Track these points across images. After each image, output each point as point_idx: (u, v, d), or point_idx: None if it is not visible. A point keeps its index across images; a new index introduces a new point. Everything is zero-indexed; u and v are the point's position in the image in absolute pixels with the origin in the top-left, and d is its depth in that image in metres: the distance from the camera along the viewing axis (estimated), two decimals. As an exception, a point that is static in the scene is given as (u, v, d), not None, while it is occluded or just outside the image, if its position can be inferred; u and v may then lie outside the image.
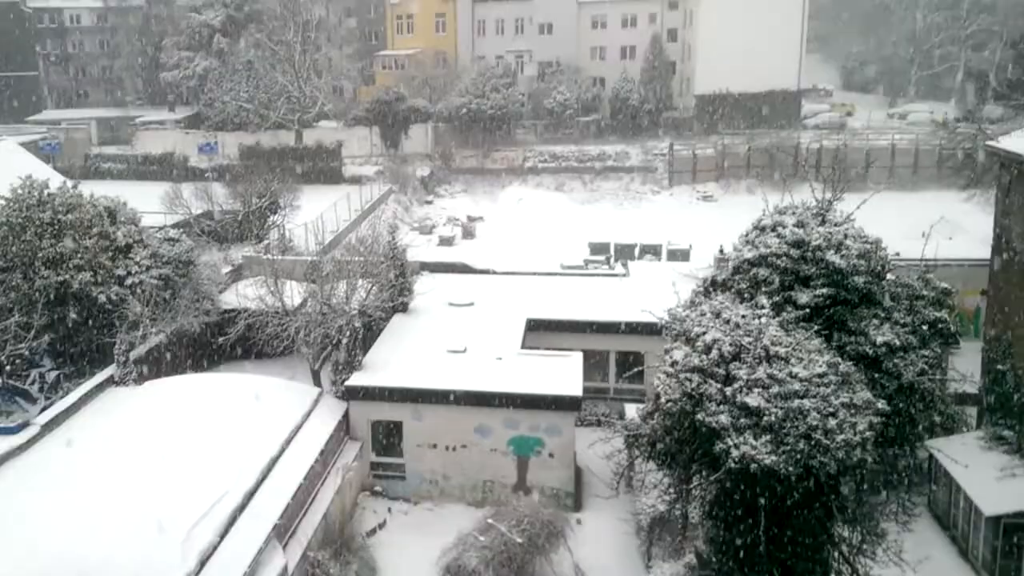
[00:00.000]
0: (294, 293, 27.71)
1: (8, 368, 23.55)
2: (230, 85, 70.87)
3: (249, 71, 71.18)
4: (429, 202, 57.81)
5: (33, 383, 23.62)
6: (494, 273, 33.24)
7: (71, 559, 15.44)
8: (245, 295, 27.83)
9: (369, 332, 26.48)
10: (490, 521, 19.64)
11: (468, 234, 48.54)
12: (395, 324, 27.58)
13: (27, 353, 24.02)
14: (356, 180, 56.70)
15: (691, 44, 74.76)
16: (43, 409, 21.68)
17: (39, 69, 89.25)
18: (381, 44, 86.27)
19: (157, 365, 25.83)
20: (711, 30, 70.53)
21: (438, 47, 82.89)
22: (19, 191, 26.59)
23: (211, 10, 75.19)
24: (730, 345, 16.04)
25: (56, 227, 26.03)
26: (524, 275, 32.73)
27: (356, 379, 23.52)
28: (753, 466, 13.92)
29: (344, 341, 24.84)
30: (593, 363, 26.37)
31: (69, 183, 29.39)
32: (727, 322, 16.88)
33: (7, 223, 25.92)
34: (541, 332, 26.89)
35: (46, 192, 26.79)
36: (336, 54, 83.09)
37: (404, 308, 28.71)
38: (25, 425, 20.17)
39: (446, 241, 45.99)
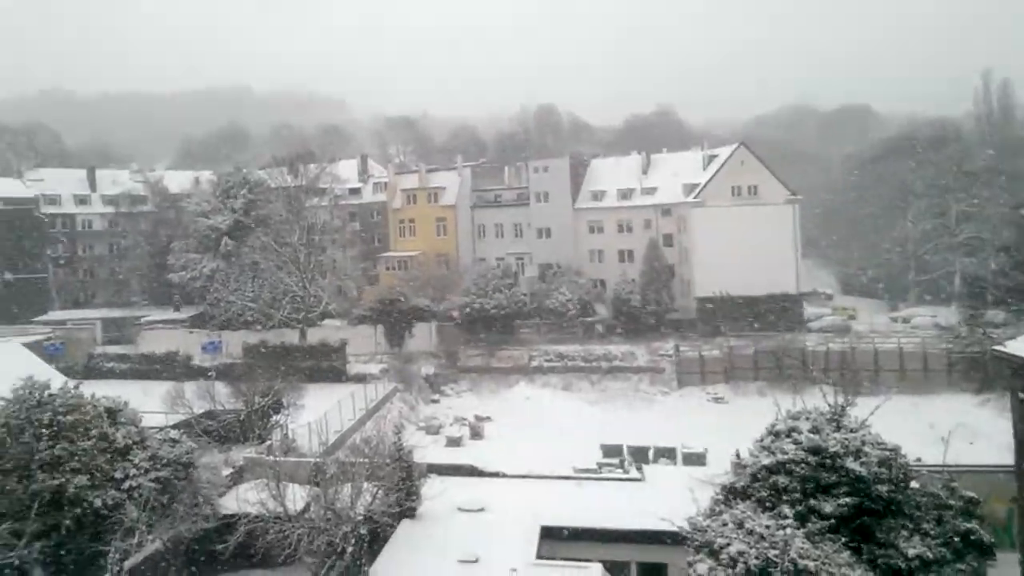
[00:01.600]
0: (297, 497, 27.44)
1: (-4, 579, 22.95)
2: (236, 285, 73.46)
3: (255, 272, 74.05)
4: (435, 401, 58.20)
5: (22, 595, 22.92)
6: (504, 476, 32.99)
7: None
8: (246, 499, 27.49)
9: (375, 540, 26.00)
10: None
11: (476, 434, 48.52)
12: (403, 531, 27.12)
13: (16, 562, 23.44)
14: (360, 379, 57.48)
15: (687, 248, 78.29)
16: (31, 624, 20.92)
17: (48, 272, 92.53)
18: (384, 246, 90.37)
19: (152, 575, 25.11)
20: (704, 237, 74.07)
21: (439, 249, 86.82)
22: (19, 392, 26.85)
23: (219, 215, 79.28)
24: (756, 559, 15.99)
25: (55, 429, 26.14)
26: (536, 478, 32.51)
27: (362, 592, 22.86)
28: None
29: (349, 550, 24.38)
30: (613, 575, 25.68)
31: (70, 383, 29.72)
32: (751, 533, 16.88)
33: (5, 424, 26.04)
34: (556, 540, 26.38)
35: (46, 393, 27.05)
36: (340, 255, 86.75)
37: (412, 513, 28.32)
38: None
39: (454, 442, 45.86)
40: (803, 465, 18.81)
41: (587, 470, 36.50)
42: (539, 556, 24.85)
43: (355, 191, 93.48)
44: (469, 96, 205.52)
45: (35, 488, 24.85)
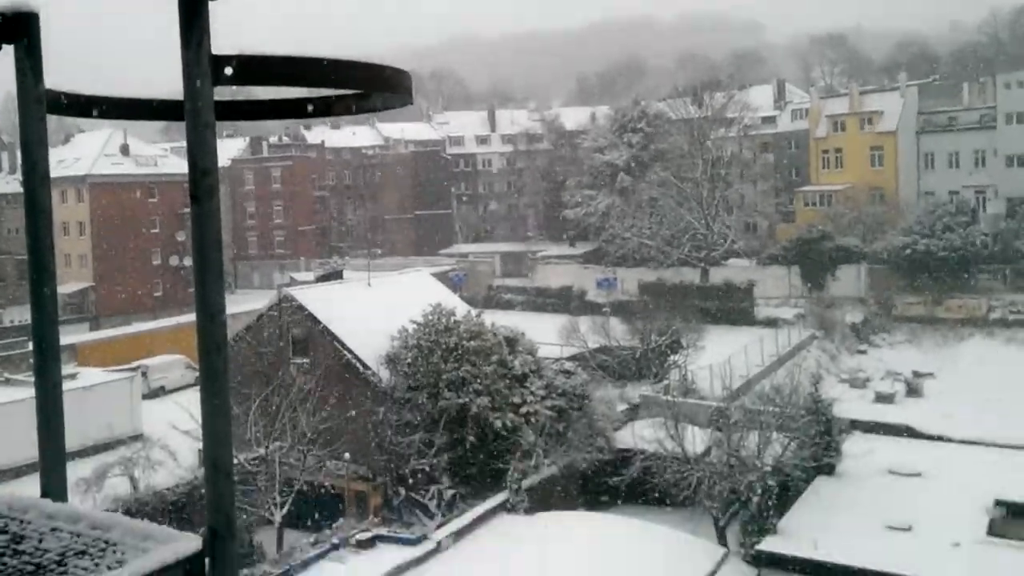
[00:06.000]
0: (696, 440, 28.24)
1: (411, 481, 27.11)
2: (632, 222, 76.42)
3: (652, 208, 76.24)
4: (862, 352, 55.45)
5: (431, 499, 26.88)
6: (949, 440, 30.69)
7: None
8: (642, 436, 29.05)
9: (785, 493, 25.85)
10: None
11: (913, 392, 45.30)
12: (818, 488, 26.67)
13: (427, 469, 27.48)
14: (771, 323, 57.10)
15: None
16: (439, 525, 24.58)
17: (452, 208, 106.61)
18: (803, 179, 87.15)
19: (548, 497, 27.71)
20: None
21: (873, 182, 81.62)
22: (429, 317, 31.37)
23: (615, 150, 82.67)
24: None
25: (459, 352, 29.93)
26: (991, 446, 29.70)
27: (770, 544, 22.88)
28: None
29: (755, 499, 24.50)
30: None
31: (472, 312, 34.11)
32: None
33: (418, 346, 30.48)
34: (1016, 518, 23.86)
35: (452, 319, 31.32)
36: (749, 190, 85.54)
37: (829, 470, 27.70)
38: (423, 539, 23.23)
39: (884, 398, 43.36)
40: None
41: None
42: (991, 532, 22.73)
43: (769, 120, 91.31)
44: (917, 3, 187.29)
45: (442, 405, 28.79)
